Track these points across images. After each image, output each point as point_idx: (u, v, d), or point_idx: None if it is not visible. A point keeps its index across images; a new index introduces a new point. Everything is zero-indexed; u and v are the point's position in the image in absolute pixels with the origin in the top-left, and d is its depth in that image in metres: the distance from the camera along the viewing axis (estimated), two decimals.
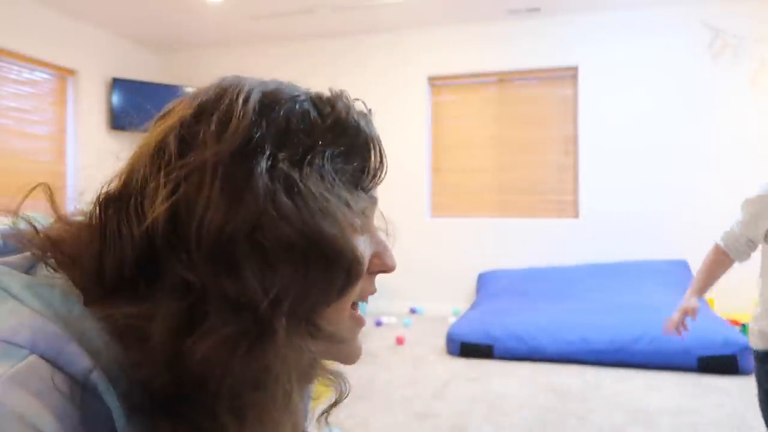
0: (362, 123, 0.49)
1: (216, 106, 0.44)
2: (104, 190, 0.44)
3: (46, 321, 0.38)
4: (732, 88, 4.45)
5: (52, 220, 0.47)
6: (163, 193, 0.41)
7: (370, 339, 3.83)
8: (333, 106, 0.48)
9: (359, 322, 0.50)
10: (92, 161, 4.88)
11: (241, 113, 0.43)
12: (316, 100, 0.48)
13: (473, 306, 4.24)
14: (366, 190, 0.49)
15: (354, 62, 5.24)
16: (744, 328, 3.67)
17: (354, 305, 0.49)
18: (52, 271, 0.43)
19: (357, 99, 0.54)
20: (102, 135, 5.12)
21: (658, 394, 2.62)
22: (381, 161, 0.49)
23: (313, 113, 0.46)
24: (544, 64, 4.86)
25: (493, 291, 4.43)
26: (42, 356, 0.37)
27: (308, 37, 5.32)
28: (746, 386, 2.72)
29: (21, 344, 0.37)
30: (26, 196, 0.46)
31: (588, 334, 3.21)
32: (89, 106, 5.03)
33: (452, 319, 4.40)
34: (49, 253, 0.44)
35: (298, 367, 0.43)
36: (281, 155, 0.43)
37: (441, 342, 3.67)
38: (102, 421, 0.38)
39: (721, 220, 4.80)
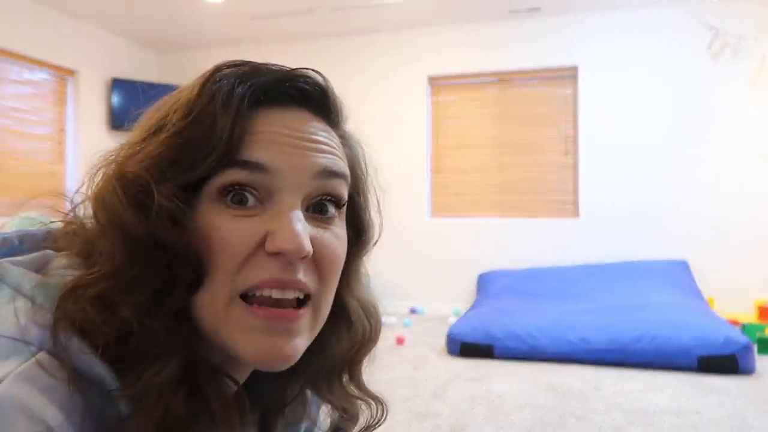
0: (219, 90, 0.44)
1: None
2: None
3: (53, 318, 0.39)
4: (732, 88, 4.45)
5: (53, 219, 0.49)
6: None
7: None
8: (191, 85, 0.46)
9: (257, 317, 0.42)
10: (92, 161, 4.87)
11: (163, 100, 0.48)
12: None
13: (473, 306, 4.24)
14: (228, 160, 0.42)
15: (354, 62, 5.24)
16: (744, 328, 3.66)
17: (252, 298, 0.43)
18: (70, 266, 0.44)
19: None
20: (102, 135, 5.12)
21: (658, 394, 2.62)
22: (231, 127, 0.42)
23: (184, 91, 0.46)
24: (544, 64, 4.86)
25: (493, 291, 4.43)
26: (50, 352, 0.38)
27: (308, 37, 5.32)
28: (746, 386, 2.72)
29: (30, 341, 0.38)
30: (74, 208, 0.49)
31: (588, 334, 3.21)
32: (89, 106, 5.03)
33: (452, 319, 4.40)
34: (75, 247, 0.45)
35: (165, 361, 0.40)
36: (129, 144, 0.46)
37: (441, 342, 3.67)
38: (109, 413, 0.39)
39: (722, 220, 4.82)
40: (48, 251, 0.45)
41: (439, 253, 5.01)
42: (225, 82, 0.44)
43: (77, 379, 0.38)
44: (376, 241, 0.55)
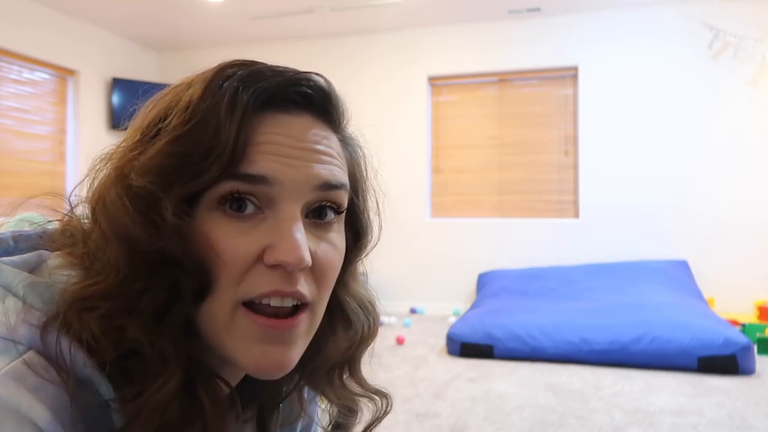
0: (224, 95, 0.42)
1: None
2: None
3: (44, 318, 0.40)
4: (732, 88, 4.45)
5: (50, 219, 0.49)
6: None
7: None
8: (189, 84, 0.44)
9: (257, 324, 0.42)
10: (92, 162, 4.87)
11: (159, 96, 0.47)
12: (191, 80, 0.45)
13: (473, 306, 4.24)
14: (231, 173, 0.41)
15: (354, 62, 5.24)
16: (744, 328, 3.66)
17: (252, 305, 0.43)
18: (64, 267, 0.44)
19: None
20: (102, 135, 5.12)
21: (658, 394, 2.62)
22: (236, 137, 0.41)
23: (180, 94, 0.44)
24: (544, 64, 4.86)
25: (493, 291, 4.43)
26: (39, 352, 0.38)
27: (308, 37, 5.32)
28: (746, 386, 2.72)
29: (19, 340, 0.39)
30: (72, 209, 0.49)
31: (588, 335, 3.21)
32: (89, 106, 5.03)
33: (452, 319, 4.40)
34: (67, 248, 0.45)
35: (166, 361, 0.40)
36: (126, 144, 0.45)
37: (441, 342, 3.67)
38: (97, 412, 0.39)
39: (722, 220, 4.82)
40: (43, 251, 0.45)
41: (439, 253, 5.01)
42: (229, 85, 0.43)
43: (67, 378, 0.38)
44: (375, 243, 0.55)
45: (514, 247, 4.86)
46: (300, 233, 0.42)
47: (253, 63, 0.46)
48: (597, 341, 3.16)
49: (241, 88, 0.43)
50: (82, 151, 4.92)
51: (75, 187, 0.47)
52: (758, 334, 3.43)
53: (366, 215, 0.53)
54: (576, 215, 4.81)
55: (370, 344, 0.56)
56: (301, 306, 0.44)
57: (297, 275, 0.43)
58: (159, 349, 0.40)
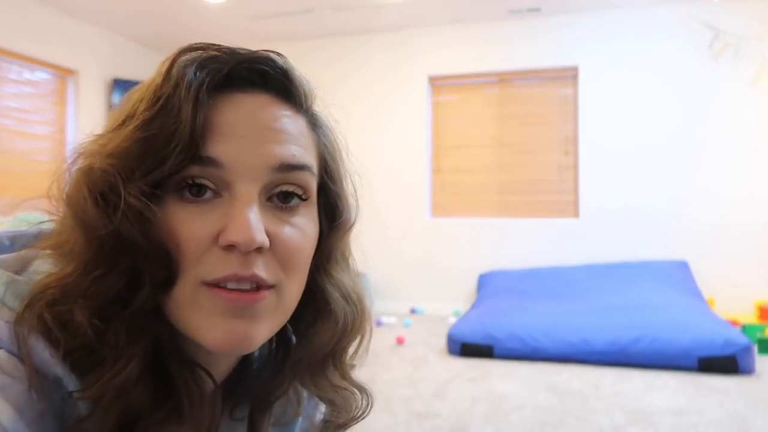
0: (183, 77, 0.42)
1: None
2: None
3: (14, 315, 0.40)
4: (732, 88, 4.45)
5: (46, 219, 0.49)
6: None
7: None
8: (162, 70, 0.44)
9: (220, 299, 0.41)
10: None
11: (138, 86, 0.47)
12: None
13: (474, 306, 4.24)
14: (191, 156, 0.41)
15: (354, 62, 5.24)
16: (744, 328, 3.66)
17: (213, 285, 0.42)
18: (48, 265, 0.43)
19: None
20: None
21: (658, 394, 2.62)
22: (193, 119, 0.41)
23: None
24: (545, 64, 4.86)
25: (494, 291, 4.43)
26: (10, 351, 0.38)
27: (308, 37, 5.32)
28: (746, 386, 2.72)
29: None
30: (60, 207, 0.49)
31: (588, 335, 3.21)
32: (89, 106, 5.03)
33: (452, 319, 4.40)
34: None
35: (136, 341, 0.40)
36: (101, 134, 0.45)
37: (441, 342, 3.66)
38: (65, 411, 0.39)
39: (722, 220, 4.81)
40: (34, 250, 0.45)
41: (439, 253, 5.01)
42: (187, 67, 0.43)
43: (37, 378, 0.38)
44: (353, 224, 0.53)
45: (514, 247, 4.86)
46: (252, 213, 0.41)
47: (211, 45, 0.45)
48: (597, 341, 3.16)
49: (197, 68, 0.43)
50: None
51: (54, 181, 0.46)
52: (758, 334, 3.43)
53: (341, 197, 0.51)
54: (576, 215, 4.81)
55: (355, 337, 0.53)
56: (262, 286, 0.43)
57: (254, 258, 0.42)
58: (109, 334, 0.39)
